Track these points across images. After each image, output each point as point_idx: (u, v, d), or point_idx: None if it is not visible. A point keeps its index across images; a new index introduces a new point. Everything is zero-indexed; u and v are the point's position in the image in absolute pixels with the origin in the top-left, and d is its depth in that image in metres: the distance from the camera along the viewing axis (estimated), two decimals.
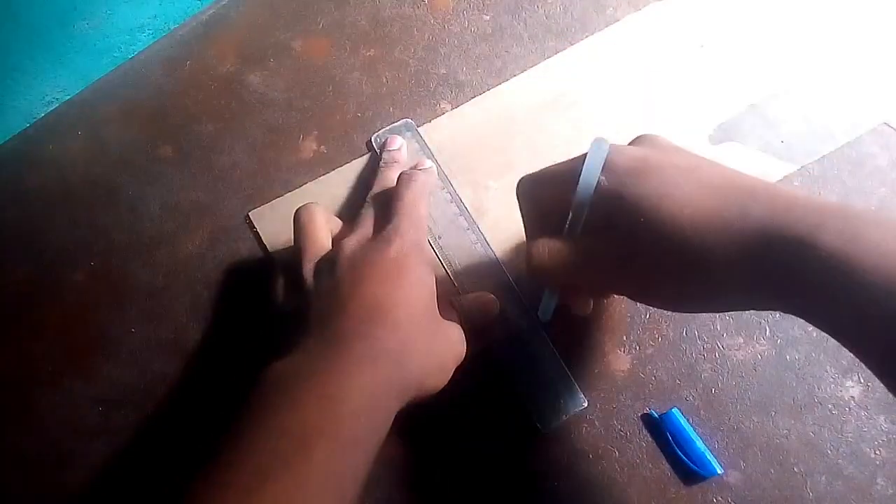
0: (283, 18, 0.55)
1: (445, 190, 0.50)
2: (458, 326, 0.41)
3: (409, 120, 0.51)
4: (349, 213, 0.49)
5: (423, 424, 0.44)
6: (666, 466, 0.44)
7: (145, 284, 0.49)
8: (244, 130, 0.52)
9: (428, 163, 0.49)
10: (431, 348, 0.38)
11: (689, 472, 0.44)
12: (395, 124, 0.51)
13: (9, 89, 0.50)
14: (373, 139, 0.51)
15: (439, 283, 0.41)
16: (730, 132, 0.51)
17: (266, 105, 0.53)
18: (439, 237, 0.48)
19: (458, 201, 0.49)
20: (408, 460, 0.44)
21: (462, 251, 0.48)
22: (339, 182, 0.50)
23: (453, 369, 0.39)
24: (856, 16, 0.53)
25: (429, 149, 0.51)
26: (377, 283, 0.38)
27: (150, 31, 0.54)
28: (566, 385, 0.45)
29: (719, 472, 0.43)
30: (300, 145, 0.52)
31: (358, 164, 0.51)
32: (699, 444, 0.44)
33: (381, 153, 0.50)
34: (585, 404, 0.45)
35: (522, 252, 0.38)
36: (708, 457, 0.43)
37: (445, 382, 0.39)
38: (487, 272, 0.47)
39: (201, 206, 0.51)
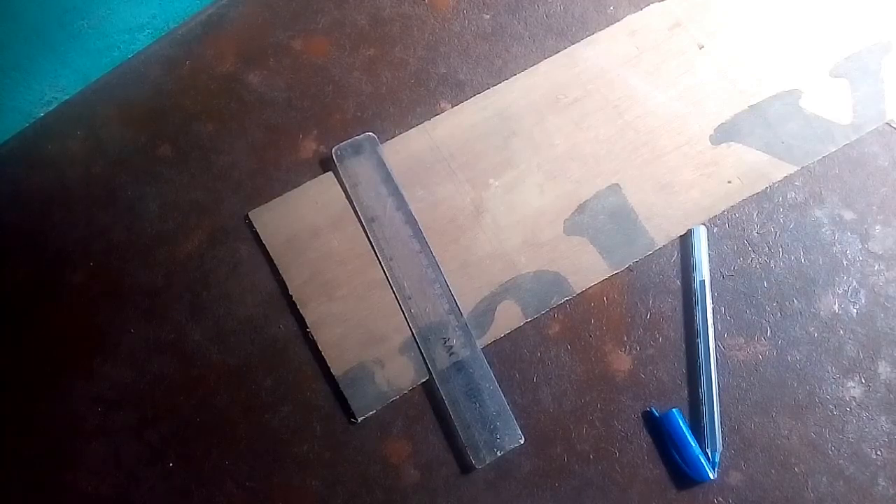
0: (282, 18, 0.55)
1: (401, 210, 0.49)
2: None
3: (371, 134, 0.51)
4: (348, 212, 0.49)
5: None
6: (667, 467, 0.44)
7: (144, 284, 0.49)
8: (244, 130, 0.52)
9: None
10: None
11: (683, 475, 0.44)
12: (357, 138, 0.51)
13: (8, 89, 0.50)
14: (334, 152, 0.50)
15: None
16: (730, 132, 0.51)
17: (266, 105, 0.53)
18: (391, 259, 0.48)
19: (414, 223, 0.48)
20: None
21: (413, 275, 0.47)
22: (339, 182, 0.50)
23: None
24: (856, 16, 0.53)
25: (388, 166, 0.50)
26: None
27: (150, 31, 0.54)
28: (505, 420, 0.45)
29: (712, 477, 0.43)
30: (300, 145, 0.52)
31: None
32: (695, 447, 0.43)
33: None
34: (522, 441, 0.44)
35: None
36: (702, 461, 0.43)
37: None
38: (437, 297, 0.47)
39: (200, 205, 0.50)
